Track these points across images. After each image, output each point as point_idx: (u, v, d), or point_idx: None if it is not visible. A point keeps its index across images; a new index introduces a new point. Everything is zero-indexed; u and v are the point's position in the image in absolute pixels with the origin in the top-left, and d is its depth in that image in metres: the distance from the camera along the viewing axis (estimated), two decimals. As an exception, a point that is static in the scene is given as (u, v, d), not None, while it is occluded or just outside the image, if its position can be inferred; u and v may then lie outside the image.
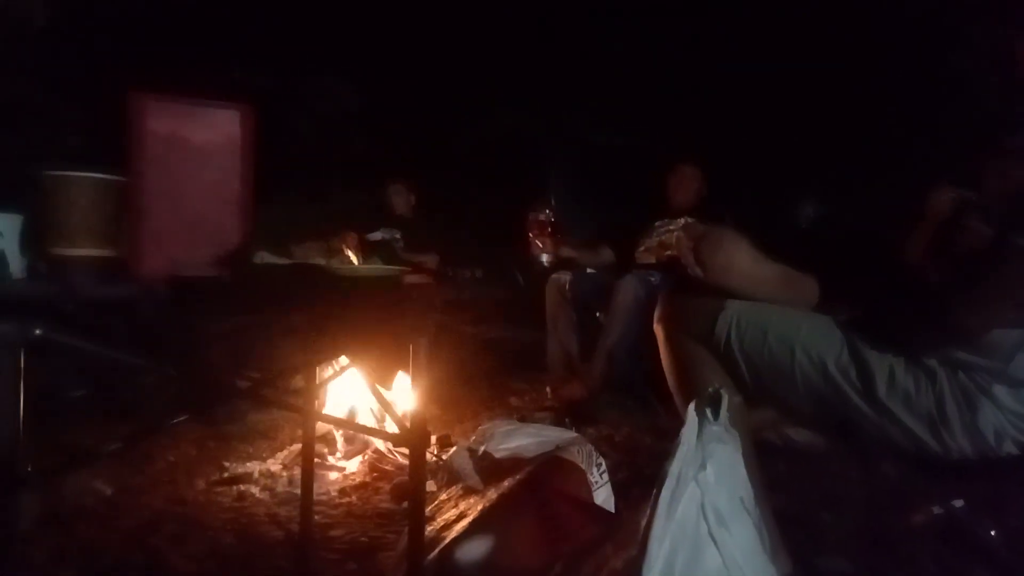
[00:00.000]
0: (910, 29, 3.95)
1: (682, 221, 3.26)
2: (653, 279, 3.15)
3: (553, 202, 4.68)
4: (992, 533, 1.62)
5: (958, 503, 1.69)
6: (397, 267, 2.95)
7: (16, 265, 1.80)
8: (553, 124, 6.14)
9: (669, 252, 3.23)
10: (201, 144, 1.55)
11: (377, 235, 4.39)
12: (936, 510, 1.71)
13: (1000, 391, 1.35)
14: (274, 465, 2.29)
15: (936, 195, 1.49)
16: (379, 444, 2.36)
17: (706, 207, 3.39)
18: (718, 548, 0.96)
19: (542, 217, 3.32)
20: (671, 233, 3.28)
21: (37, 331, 1.15)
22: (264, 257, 1.91)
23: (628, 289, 3.11)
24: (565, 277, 3.49)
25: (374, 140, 6.37)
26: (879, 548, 1.68)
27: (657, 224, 3.38)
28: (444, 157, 5.98)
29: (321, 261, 2.89)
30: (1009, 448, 1.34)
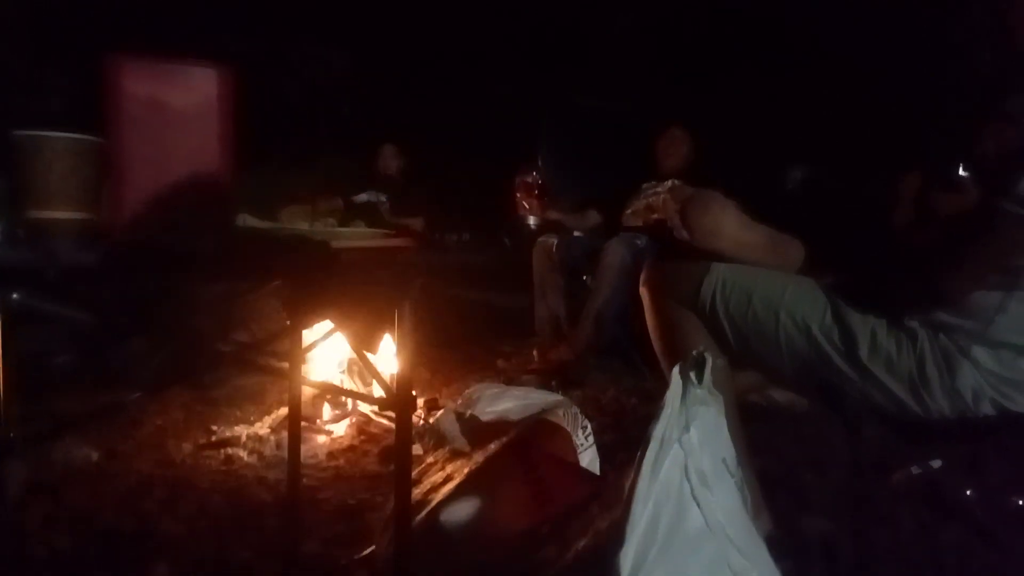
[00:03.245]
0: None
1: (668, 183, 3.25)
2: (640, 242, 3.15)
3: (541, 165, 4.66)
4: (968, 492, 1.66)
5: (936, 463, 1.72)
6: (382, 230, 2.92)
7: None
8: (542, 87, 6.07)
9: (655, 215, 3.22)
10: (182, 106, 1.52)
11: (363, 197, 4.35)
12: (915, 470, 1.74)
13: (979, 352, 1.36)
14: (262, 429, 2.29)
15: (904, 180, 1.49)
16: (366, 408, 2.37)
17: (695, 171, 3.37)
18: (701, 509, 0.97)
19: (529, 180, 3.30)
20: (657, 196, 3.26)
21: (15, 296, 1.14)
22: (247, 220, 1.88)
23: (615, 252, 3.11)
24: (552, 240, 3.49)
25: (361, 104, 6.29)
26: (860, 508, 1.71)
27: (644, 186, 3.37)
28: (432, 121, 5.91)
29: (305, 225, 2.86)
30: (986, 409, 1.36)
